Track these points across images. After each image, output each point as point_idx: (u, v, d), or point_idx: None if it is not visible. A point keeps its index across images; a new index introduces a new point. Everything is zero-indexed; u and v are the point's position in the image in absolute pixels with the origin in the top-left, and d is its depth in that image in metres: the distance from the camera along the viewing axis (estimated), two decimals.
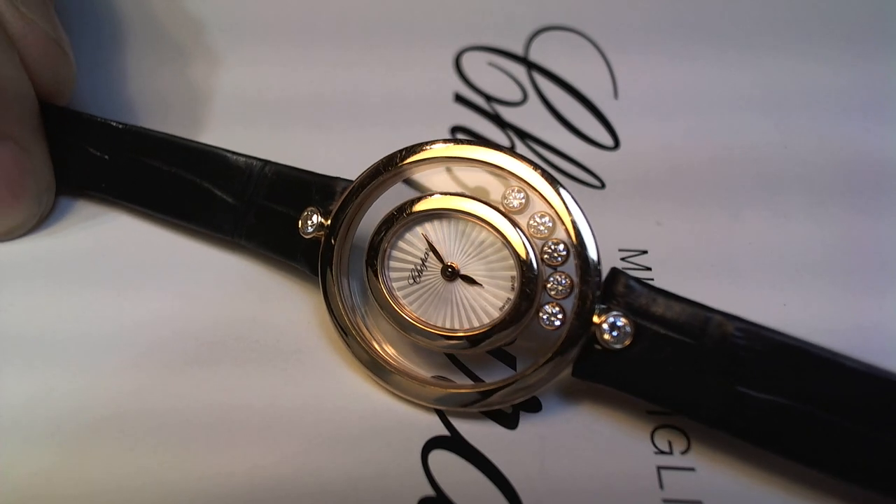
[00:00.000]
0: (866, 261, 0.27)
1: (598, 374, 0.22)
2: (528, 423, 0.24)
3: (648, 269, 0.27)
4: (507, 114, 0.33)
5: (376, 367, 0.24)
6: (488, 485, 0.23)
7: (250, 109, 0.33)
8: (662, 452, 0.23)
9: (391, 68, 0.34)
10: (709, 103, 0.32)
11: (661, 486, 0.22)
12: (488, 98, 0.33)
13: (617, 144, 0.31)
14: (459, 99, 0.33)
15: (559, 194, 0.22)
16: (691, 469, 0.23)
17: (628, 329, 0.21)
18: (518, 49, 0.35)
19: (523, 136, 0.32)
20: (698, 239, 0.28)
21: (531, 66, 0.34)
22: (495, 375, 0.24)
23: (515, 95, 0.33)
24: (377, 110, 0.33)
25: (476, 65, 0.34)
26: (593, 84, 0.33)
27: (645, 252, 0.28)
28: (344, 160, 0.26)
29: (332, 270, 0.24)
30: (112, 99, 0.32)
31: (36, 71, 0.27)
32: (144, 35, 0.35)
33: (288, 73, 0.34)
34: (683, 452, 0.23)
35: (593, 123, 0.32)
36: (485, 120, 0.32)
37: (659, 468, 0.23)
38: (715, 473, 0.23)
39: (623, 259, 0.28)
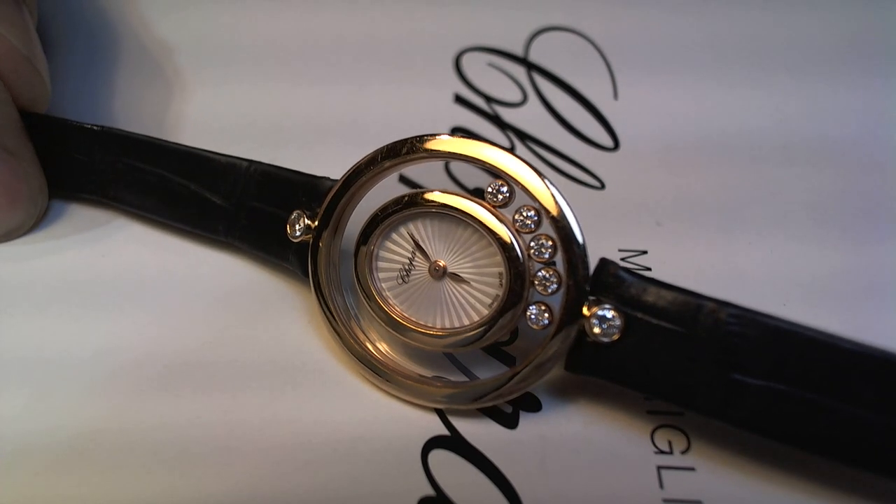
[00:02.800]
0: (866, 261, 0.27)
1: (590, 368, 0.22)
2: (528, 423, 0.24)
3: (648, 269, 0.27)
4: (507, 115, 0.33)
5: (375, 370, 0.24)
6: (488, 484, 0.22)
7: (251, 108, 0.33)
8: (662, 452, 0.23)
9: (391, 69, 0.34)
10: (709, 104, 0.32)
11: (661, 485, 0.22)
12: (488, 99, 0.33)
13: (617, 145, 0.31)
14: (459, 100, 0.33)
15: (545, 187, 0.22)
16: (691, 469, 0.23)
17: (617, 321, 0.21)
18: (518, 50, 0.35)
19: (523, 137, 0.32)
20: (698, 239, 0.28)
21: (531, 66, 0.34)
22: (492, 373, 0.24)
23: (515, 96, 0.33)
24: (377, 111, 0.33)
25: (476, 66, 0.34)
26: (593, 85, 0.33)
27: (645, 252, 0.28)
28: (343, 161, 0.26)
29: (322, 272, 0.24)
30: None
31: (8, 85, 0.27)
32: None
33: (287, 74, 0.34)
34: (683, 452, 0.23)
35: (593, 124, 0.32)
36: (485, 121, 0.32)
37: (659, 468, 0.23)
38: (715, 473, 0.23)
39: (623, 259, 0.28)
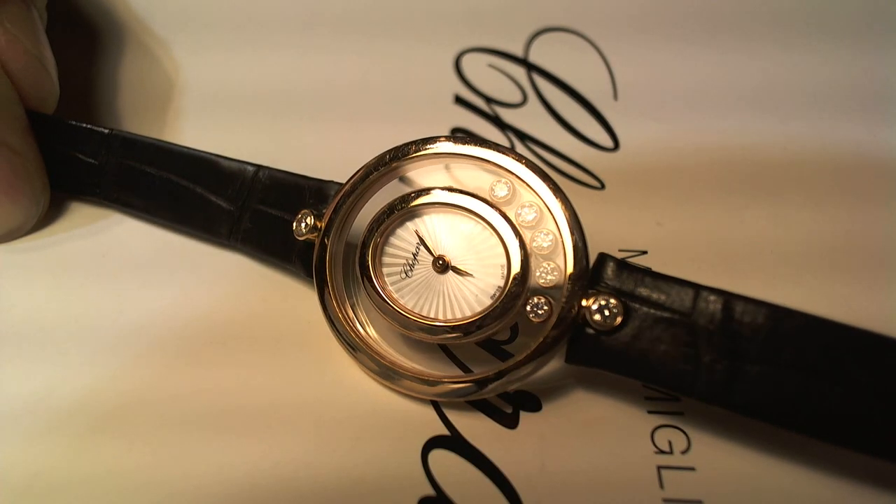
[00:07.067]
0: (866, 260, 0.27)
1: (591, 358, 0.22)
2: (528, 423, 0.24)
3: (648, 269, 0.27)
4: (506, 115, 0.33)
5: (375, 366, 0.24)
6: (488, 484, 0.23)
7: (247, 111, 0.33)
8: (662, 452, 0.23)
9: (391, 70, 0.34)
10: (708, 104, 0.32)
11: (662, 485, 0.22)
12: (488, 100, 0.33)
13: (617, 145, 0.31)
14: (459, 100, 0.33)
15: (545, 183, 0.23)
16: (691, 469, 0.23)
17: (617, 311, 0.21)
18: (518, 50, 0.35)
19: (523, 137, 0.32)
20: (698, 239, 0.28)
21: (531, 67, 0.34)
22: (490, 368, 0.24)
23: (515, 97, 0.33)
24: (377, 112, 0.33)
25: (476, 66, 0.34)
26: (593, 85, 0.33)
27: (645, 252, 0.28)
28: (344, 162, 0.26)
29: (326, 272, 0.24)
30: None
31: (17, 84, 0.28)
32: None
33: (286, 74, 0.34)
34: (684, 452, 0.23)
35: (593, 125, 0.32)
36: (485, 121, 0.32)
37: (659, 468, 0.23)
38: (715, 473, 0.23)
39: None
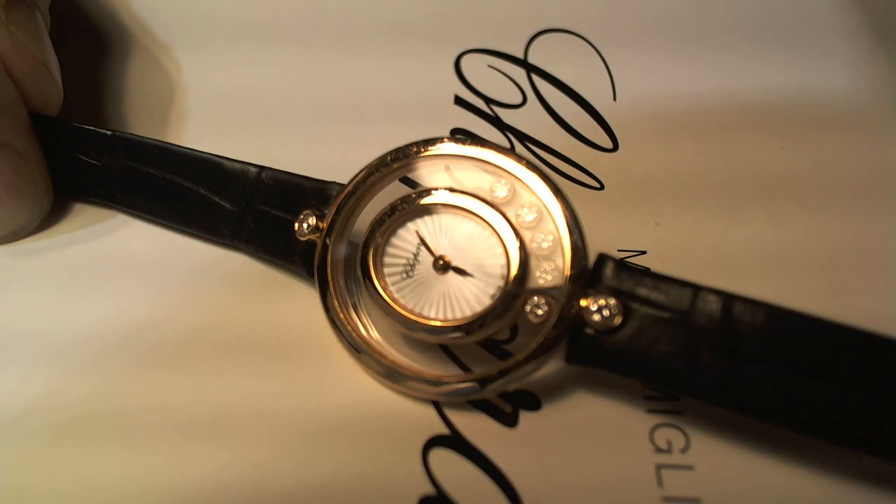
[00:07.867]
0: (865, 262, 0.28)
1: (590, 358, 0.22)
2: (528, 422, 0.24)
3: (648, 269, 0.27)
4: (506, 116, 0.33)
5: (376, 365, 0.24)
6: (488, 483, 0.23)
7: (249, 112, 0.33)
8: (662, 451, 0.23)
9: (391, 70, 0.34)
10: (707, 105, 0.32)
11: (661, 484, 0.22)
12: (488, 100, 0.33)
13: (616, 146, 0.32)
14: (459, 101, 0.33)
15: (545, 183, 0.23)
16: (691, 468, 0.23)
17: (616, 311, 0.22)
18: (518, 52, 0.35)
19: (523, 138, 0.32)
20: (697, 240, 0.28)
21: (531, 68, 0.34)
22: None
23: (515, 98, 0.33)
24: (377, 112, 0.33)
25: (476, 67, 0.34)
26: (592, 86, 0.33)
27: (644, 253, 0.28)
28: (344, 162, 0.26)
29: (327, 271, 0.25)
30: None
31: (21, 87, 0.28)
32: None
33: (287, 75, 0.34)
34: (683, 451, 0.23)
35: (592, 126, 0.32)
36: (484, 122, 0.32)
37: (658, 467, 0.23)
38: (715, 472, 0.23)
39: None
